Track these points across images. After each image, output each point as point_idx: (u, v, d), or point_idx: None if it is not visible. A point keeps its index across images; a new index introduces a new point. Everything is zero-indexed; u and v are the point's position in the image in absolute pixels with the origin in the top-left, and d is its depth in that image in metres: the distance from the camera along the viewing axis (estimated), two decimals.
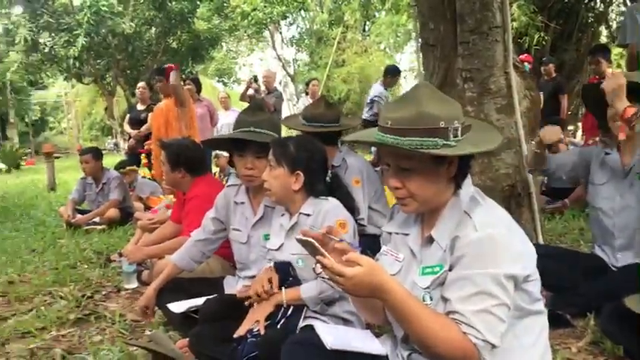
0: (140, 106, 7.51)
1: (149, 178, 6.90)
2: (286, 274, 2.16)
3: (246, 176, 2.48)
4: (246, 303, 2.15)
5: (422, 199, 1.46)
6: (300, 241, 1.40)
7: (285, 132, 3.50)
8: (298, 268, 2.15)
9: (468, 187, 1.49)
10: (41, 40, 18.39)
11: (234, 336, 2.07)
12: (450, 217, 1.45)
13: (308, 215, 2.16)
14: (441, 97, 1.45)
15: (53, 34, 18.11)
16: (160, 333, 2.10)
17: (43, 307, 3.02)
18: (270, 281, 2.15)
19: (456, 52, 3.19)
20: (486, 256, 1.34)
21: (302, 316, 2.09)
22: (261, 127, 2.48)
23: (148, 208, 5.98)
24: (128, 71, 20.44)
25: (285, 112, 12.89)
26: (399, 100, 1.50)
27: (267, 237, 2.47)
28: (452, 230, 1.42)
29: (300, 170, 2.19)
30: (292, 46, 27.24)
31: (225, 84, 35.54)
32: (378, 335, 1.71)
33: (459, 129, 1.41)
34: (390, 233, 1.65)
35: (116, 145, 25.21)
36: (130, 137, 7.67)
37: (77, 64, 18.89)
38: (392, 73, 8.15)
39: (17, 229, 5.91)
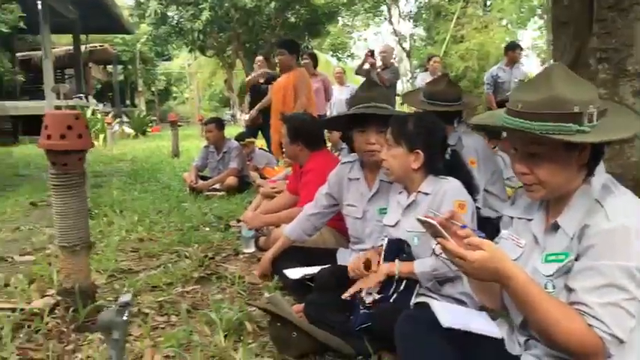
0: (260, 80, 7.76)
1: (265, 150, 7.17)
2: (400, 251, 2.18)
3: (368, 151, 2.52)
4: (350, 275, 2.21)
5: (551, 186, 1.41)
6: (420, 220, 1.42)
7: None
8: (413, 246, 2.17)
9: (601, 175, 1.43)
10: (169, 14, 19.44)
11: (342, 296, 2.14)
12: (580, 204, 1.40)
13: (427, 194, 2.16)
14: (575, 80, 1.40)
15: (180, 8, 19.07)
16: (278, 296, 2.21)
17: (170, 265, 3.27)
18: (366, 264, 2.18)
19: (590, 31, 3.01)
20: (618, 248, 1.28)
21: (415, 293, 2.12)
22: (381, 102, 2.51)
23: (263, 178, 6.23)
24: (247, 45, 21.10)
25: (399, 88, 12.75)
26: (530, 82, 1.45)
27: (382, 211, 2.51)
28: (581, 218, 1.37)
29: (419, 149, 2.19)
30: (409, 20, 26.78)
31: (339, 58, 35.71)
32: (492, 319, 1.70)
33: (594, 114, 1.35)
34: (512, 218, 1.62)
35: (233, 116, 26.26)
36: (249, 109, 7.96)
37: (201, 36, 19.79)
38: (512, 48, 7.82)
39: (145, 190, 6.37)
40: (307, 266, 2.66)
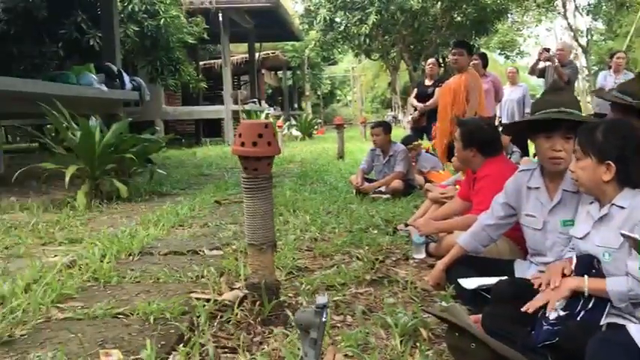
0: (427, 82, 7.72)
1: (431, 154, 7.12)
2: (589, 267, 2.06)
3: (553, 158, 2.40)
4: (540, 289, 2.12)
5: None
6: (624, 235, 1.33)
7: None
8: (604, 262, 2.03)
9: None
10: (337, 19, 20.08)
11: (522, 309, 2.07)
12: None
13: (622, 208, 2.01)
14: None
15: (347, 13, 19.59)
16: (457, 306, 2.20)
17: (342, 265, 3.38)
18: (563, 273, 2.08)
19: None
20: None
21: (605, 313, 1.99)
22: (570, 107, 2.38)
23: (428, 181, 6.19)
24: (412, 46, 21.06)
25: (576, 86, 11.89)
26: None
27: (566, 223, 2.39)
28: None
29: (610, 160, 2.04)
30: (587, 14, 24.86)
31: (507, 57, 34.23)
32: None
33: None
34: None
35: (395, 117, 26.37)
36: (415, 110, 7.96)
37: (367, 40, 20.17)
38: None
39: (315, 191, 6.64)
40: (481, 276, 2.61)
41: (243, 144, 2.52)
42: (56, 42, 12.08)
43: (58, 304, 2.74)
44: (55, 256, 3.77)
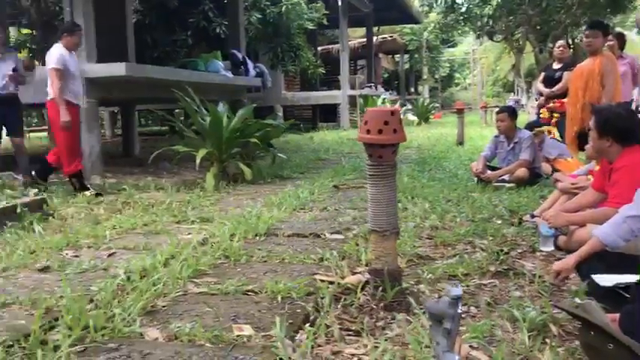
0: (556, 65, 7.30)
1: (558, 140, 6.75)
2: None
3: None
4: None
5: None
6: None
7: None
8: None
9: None
10: (458, 1, 19.48)
11: None
12: None
13: None
14: None
15: None
16: (593, 303, 2.09)
17: (465, 255, 3.33)
18: None
19: None
20: None
21: None
22: None
23: (555, 170, 5.88)
24: (538, 27, 19.96)
25: None
26: None
27: None
28: None
29: None
30: None
31: None
32: None
33: None
34: None
35: (517, 102, 25.21)
36: (540, 95, 7.56)
37: (490, 21, 19.40)
38: None
39: (433, 178, 6.55)
40: (616, 273, 2.46)
41: (368, 131, 2.55)
42: (185, 30, 12.77)
43: (194, 279, 2.95)
44: (189, 233, 4.04)
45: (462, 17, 19.90)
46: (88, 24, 7.14)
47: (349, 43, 20.71)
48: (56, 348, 2.11)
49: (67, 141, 5.96)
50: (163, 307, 2.58)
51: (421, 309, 2.42)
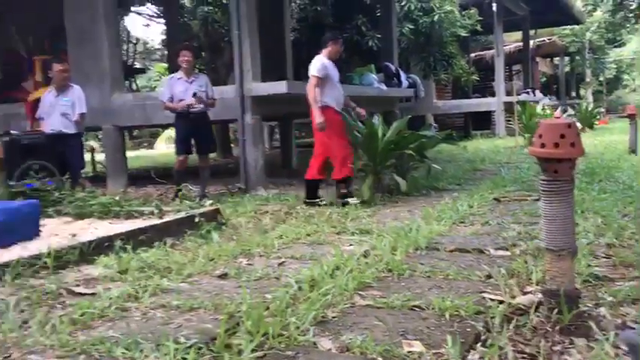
0: None
1: None
2: None
3: None
4: None
5: None
6: None
7: None
8: None
9: None
10: None
11: None
12: None
13: None
14: None
15: None
16: None
17: None
18: None
19: None
20: None
21: None
22: None
23: None
24: None
25: None
26: None
27: None
28: None
29: None
30: None
31: None
32: None
33: None
34: None
35: None
36: None
37: None
38: None
39: (604, 190, 6.07)
40: None
41: (543, 145, 2.44)
42: None
43: (360, 292, 3.01)
44: (350, 245, 4.15)
45: (632, 14, 18.29)
46: (253, 45, 7.64)
47: (504, 47, 19.94)
48: (240, 352, 2.27)
49: (341, 149, 6.14)
50: (333, 317, 2.67)
51: (603, 334, 2.26)
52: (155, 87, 29.45)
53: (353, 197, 6.12)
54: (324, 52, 6.31)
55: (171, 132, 8.82)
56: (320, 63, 6.19)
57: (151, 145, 27.59)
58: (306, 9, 13.11)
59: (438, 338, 2.36)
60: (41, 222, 4.58)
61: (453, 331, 2.43)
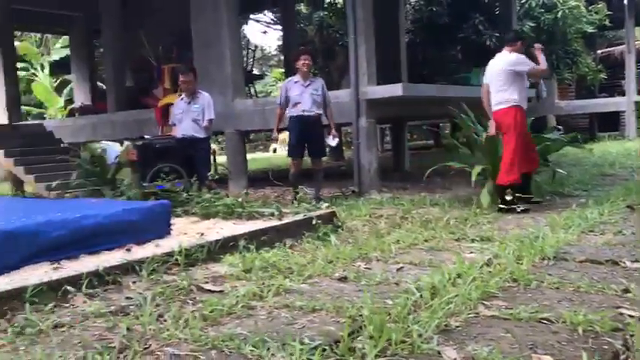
0: None
1: None
2: None
3: None
4: None
5: None
6: None
7: None
8: None
9: None
10: None
11: None
12: None
13: None
14: None
15: None
16: None
17: None
18: None
19: None
20: None
21: None
22: None
23: None
24: None
25: None
26: None
27: None
28: None
29: None
30: None
31: None
32: None
33: None
34: None
35: None
36: None
37: None
38: None
39: None
40: None
41: None
42: (454, 45, 12.85)
43: (484, 301, 2.92)
44: (471, 252, 4.03)
45: None
46: (369, 49, 7.67)
47: (636, 43, 18.50)
48: (363, 357, 2.28)
49: (513, 152, 5.81)
50: (457, 327, 2.60)
51: None
52: (271, 92, 30.49)
53: (518, 204, 5.71)
54: (511, 49, 6.07)
55: (285, 135, 9.12)
56: (517, 57, 5.96)
57: (266, 148, 28.58)
58: (420, 10, 12.97)
59: (571, 354, 2.24)
60: (171, 221, 4.87)
61: (588, 348, 2.28)
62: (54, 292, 3.18)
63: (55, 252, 3.89)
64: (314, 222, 4.97)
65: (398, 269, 3.67)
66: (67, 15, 15.22)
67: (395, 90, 7.51)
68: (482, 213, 5.65)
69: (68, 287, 3.23)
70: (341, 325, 2.58)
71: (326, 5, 16.16)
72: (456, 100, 7.39)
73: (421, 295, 2.95)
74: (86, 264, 3.67)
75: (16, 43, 16.99)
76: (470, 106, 7.13)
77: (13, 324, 2.79)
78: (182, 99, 7.20)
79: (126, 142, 12.14)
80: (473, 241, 4.45)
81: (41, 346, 2.50)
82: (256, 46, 19.96)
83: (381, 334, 2.42)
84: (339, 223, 5.29)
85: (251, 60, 15.33)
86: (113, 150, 11.39)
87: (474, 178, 6.03)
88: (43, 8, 14.44)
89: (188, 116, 7.01)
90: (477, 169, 6.11)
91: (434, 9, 12.36)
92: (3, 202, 5.69)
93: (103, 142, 13.30)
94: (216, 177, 6.93)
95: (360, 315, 2.71)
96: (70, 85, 18.91)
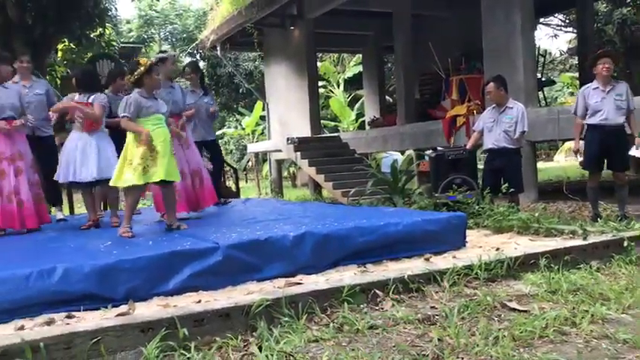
0: None
1: None
2: None
3: None
4: None
5: None
6: None
7: None
8: None
9: None
10: None
11: None
12: None
13: None
14: None
15: None
16: None
17: None
18: None
19: None
20: None
21: None
22: None
23: None
24: None
25: None
26: None
27: None
28: None
29: None
30: None
31: None
32: None
33: None
34: None
35: None
36: None
37: None
38: None
39: None
40: None
41: None
42: None
43: None
44: None
45: None
46: None
47: None
48: None
49: None
50: None
51: None
52: (557, 98, 28.53)
53: None
54: None
55: (571, 144, 8.30)
56: None
57: (549, 157, 26.84)
58: None
59: None
60: None
61: None
62: (364, 294, 3.42)
63: (360, 255, 4.22)
64: (625, 243, 4.46)
65: None
66: (360, 35, 16.44)
67: None
68: None
69: (377, 291, 3.45)
70: None
71: (629, 1, 14.51)
72: None
73: None
74: (390, 270, 3.88)
75: (319, 64, 19.00)
76: None
77: (333, 320, 3.08)
78: (494, 107, 6.88)
79: (407, 152, 12.59)
80: None
81: (361, 345, 2.71)
82: (546, 51, 18.88)
83: None
84: None
85: (541, 66, 14.50)
86: (390, 159, 11.93)
87: None
88: (341, 30, 15.83)
89: (499, 126, 6.66)
90: None
91: None
92: (321, 209, 6.39)
93: (387, 152, 14.05)
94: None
95: None
96: (360, 100, 20.40)
